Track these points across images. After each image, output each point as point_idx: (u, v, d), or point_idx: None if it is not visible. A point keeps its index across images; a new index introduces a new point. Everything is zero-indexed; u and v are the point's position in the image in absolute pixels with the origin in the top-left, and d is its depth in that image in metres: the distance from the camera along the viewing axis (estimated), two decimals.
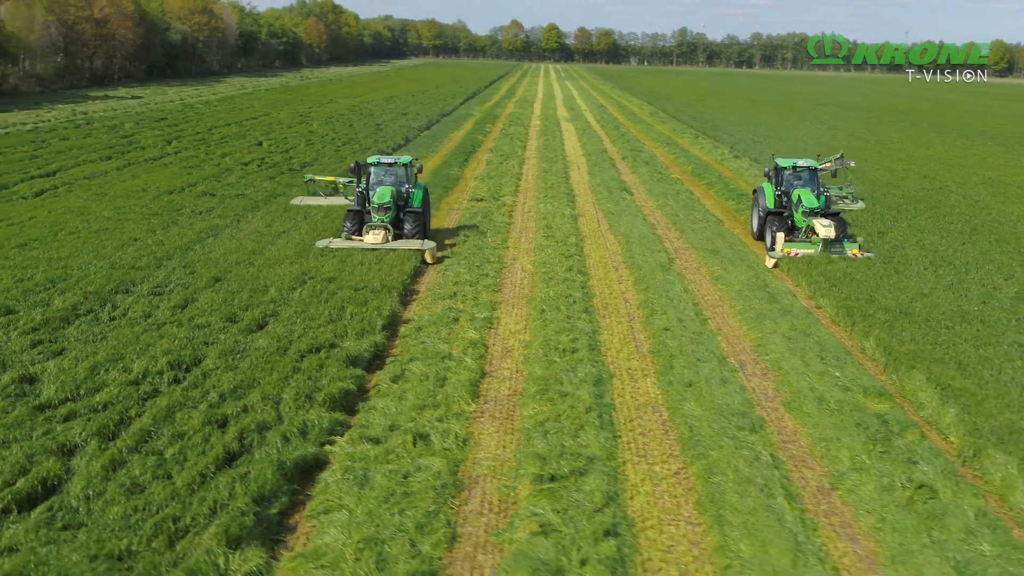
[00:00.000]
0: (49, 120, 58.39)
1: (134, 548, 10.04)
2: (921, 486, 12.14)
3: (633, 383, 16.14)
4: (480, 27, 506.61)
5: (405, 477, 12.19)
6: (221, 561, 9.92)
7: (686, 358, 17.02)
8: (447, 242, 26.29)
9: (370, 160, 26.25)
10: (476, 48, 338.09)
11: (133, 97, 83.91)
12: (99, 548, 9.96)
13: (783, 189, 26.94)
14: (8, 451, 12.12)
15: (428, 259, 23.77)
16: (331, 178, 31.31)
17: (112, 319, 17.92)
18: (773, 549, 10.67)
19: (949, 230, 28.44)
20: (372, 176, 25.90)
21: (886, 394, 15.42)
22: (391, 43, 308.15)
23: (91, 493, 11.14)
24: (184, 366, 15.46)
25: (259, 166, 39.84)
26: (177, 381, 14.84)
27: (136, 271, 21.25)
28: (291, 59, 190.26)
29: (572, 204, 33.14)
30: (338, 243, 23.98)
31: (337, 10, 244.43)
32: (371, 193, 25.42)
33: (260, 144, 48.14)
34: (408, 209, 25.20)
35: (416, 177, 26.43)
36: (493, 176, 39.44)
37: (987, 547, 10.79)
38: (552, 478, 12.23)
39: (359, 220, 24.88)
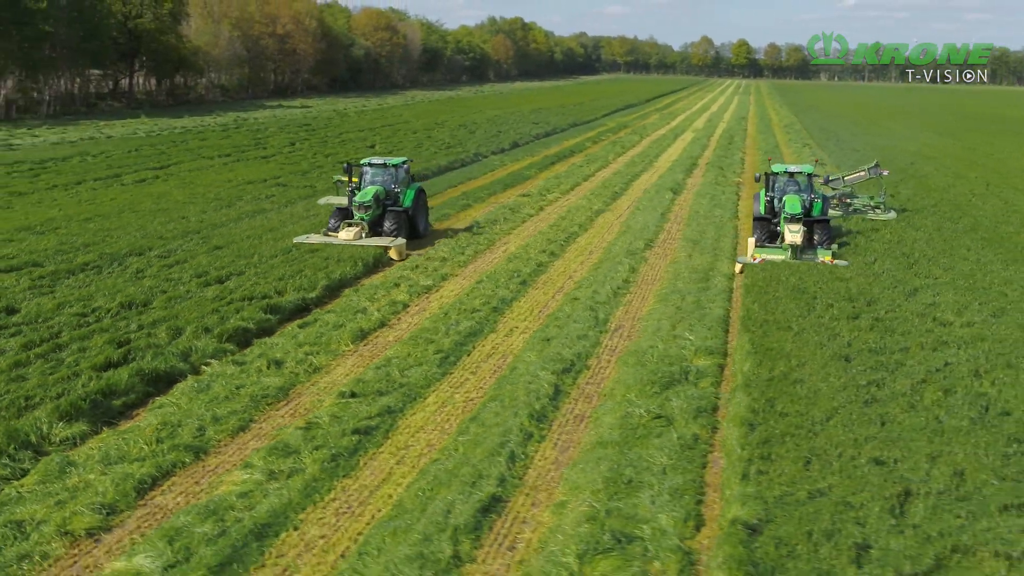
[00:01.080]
0: (209, 124, 64.89)
1: None
2: (659, 417, 13.96)
3: (506, 337, 18.39)
4: (674, 42, 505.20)
5: (238, 388, 15.05)
6: (45, 427, 13.04)
7: (568, 320, 19.14)
8: (456, 228, 28.99)
9: (362, 161, 28.39)
10: (667, 64, 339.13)
11: (302, 107, 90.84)
12: None
13: (773, 195, 27.30)
14: None
15: (393, 255, 24.59)
16: (356, 179, 34.32)
17: (109, 273, 21.65)
18: (480, 451, 12.88)
19: (945, 229, 28.69)
20: (368, 176, 27.72)
21: (716, 353, 17.07)
22: (583, 59, 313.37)
23: None
24: (133, 307, 18.88)
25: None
26: (117, 316, 18.26)
27: (160, 240, 25.07)
28: (478, 74, 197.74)
29: (610, 202, 35.20)
30: (315, 238, 25.28)
31: (527, 27, 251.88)
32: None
33: (372, 147, 52.24)
34: (391, 208, 26.75)
35: (409, 177, 27.99)
36: (561, 177, 41.87)
37: (664, 459, 12.57)
38: (353, 395, 14.81)
39: (344, 217, 26.29)
